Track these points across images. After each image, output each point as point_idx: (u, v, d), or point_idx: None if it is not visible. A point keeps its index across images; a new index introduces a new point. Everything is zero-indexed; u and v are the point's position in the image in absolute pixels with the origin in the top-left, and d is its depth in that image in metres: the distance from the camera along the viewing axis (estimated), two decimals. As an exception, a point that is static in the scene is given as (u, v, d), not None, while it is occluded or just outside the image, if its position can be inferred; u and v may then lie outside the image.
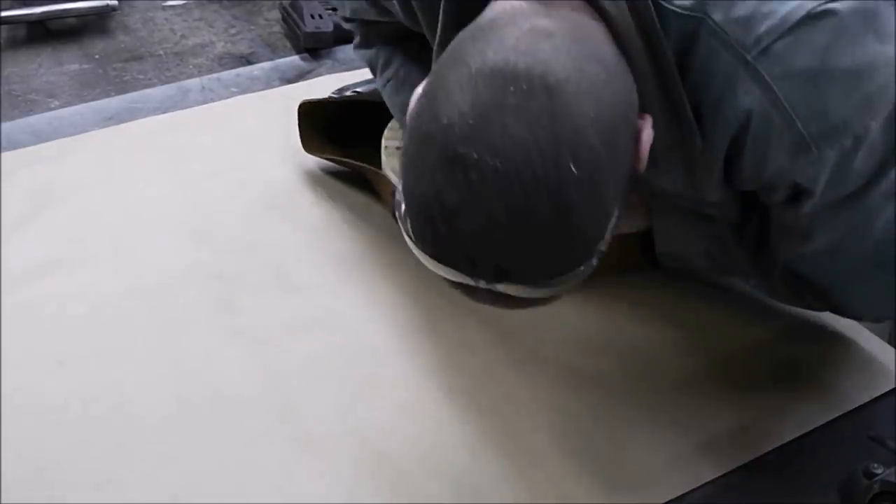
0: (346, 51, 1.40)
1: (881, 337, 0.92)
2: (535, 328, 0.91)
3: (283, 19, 1.46)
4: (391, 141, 1.01)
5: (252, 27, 1.48)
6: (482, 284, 0.58)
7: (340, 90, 1.26)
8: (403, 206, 0.59)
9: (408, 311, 0.92)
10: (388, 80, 0.98)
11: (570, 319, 0.92)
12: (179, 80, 1.32)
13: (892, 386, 0.86)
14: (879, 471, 0.76)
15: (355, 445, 0.78)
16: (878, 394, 0.85)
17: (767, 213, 0.78)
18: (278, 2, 1.54)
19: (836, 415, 0.83)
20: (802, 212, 0.72)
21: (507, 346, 0.89)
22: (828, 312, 0.94)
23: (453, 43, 0.61)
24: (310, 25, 1.38)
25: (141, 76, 1.34)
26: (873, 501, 0.73)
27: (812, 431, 0.82)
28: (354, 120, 1.08)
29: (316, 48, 1.39)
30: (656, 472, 0.77)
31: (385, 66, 0.99)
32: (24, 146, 1.15)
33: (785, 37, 0.64)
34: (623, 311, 0.93)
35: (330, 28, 1.39)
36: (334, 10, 1.43)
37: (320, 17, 1.40)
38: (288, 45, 1.43)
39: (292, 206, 1.06)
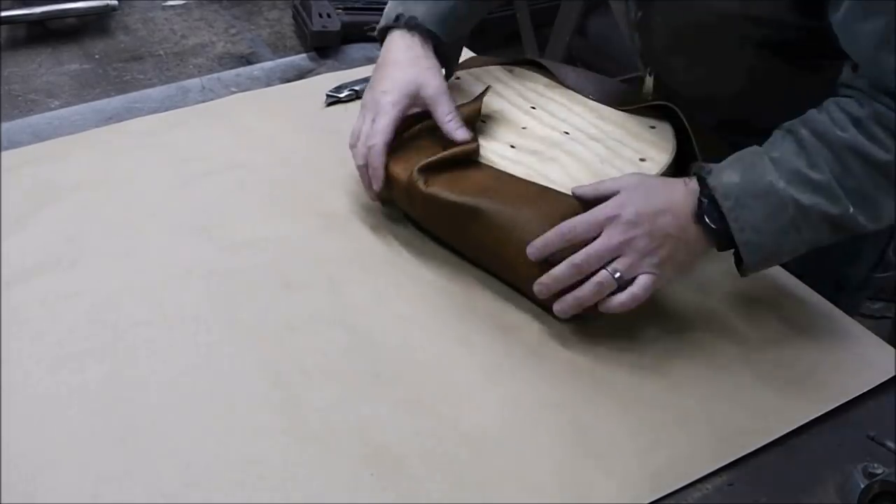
0: (352, 50, 1.40)
1: (881, 336, 0.92)
2: (536, 326, 0.91)
3: (294, 17, 1.47)
4: None
5: (252, 27, 1.47)
6: None
7: (338, 88, 1.26)
8: None
9: (410, 307, 0.92)
10: None
11: (571, 318, 0.92)
12: (179, 80, 1.32)
13: (892, 386, 0.86)
14: (879, 471, 0.76)
15: (356, 441, 0.78)
16: (878, 394, 0.85)
17: None
18: (282, 1, 1.54)
19: (835, 414, 0.83)
20: None
21: (508, 344, 0.89)
22: (824, 309, 0.94)
23: None
24: (317, 24, 1.38)
25: (141, 76, 1.33)
26: (873, 501, 0.73)
27: (812, 431, 0.82)
28: None
29: (323, 47, 1.39)
30: (656, 469, 0.77)
31: None
32: (24, 146, 1.15)
33: None
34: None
35: (337, 27, 1.39)
36: (344, 8, 1.43)
37: (328, 15, 1.40)
38: (288, 44, 1.43)
39: (293, 203, 1.06)
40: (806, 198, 0.83)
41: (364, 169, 0.98)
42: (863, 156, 0.82)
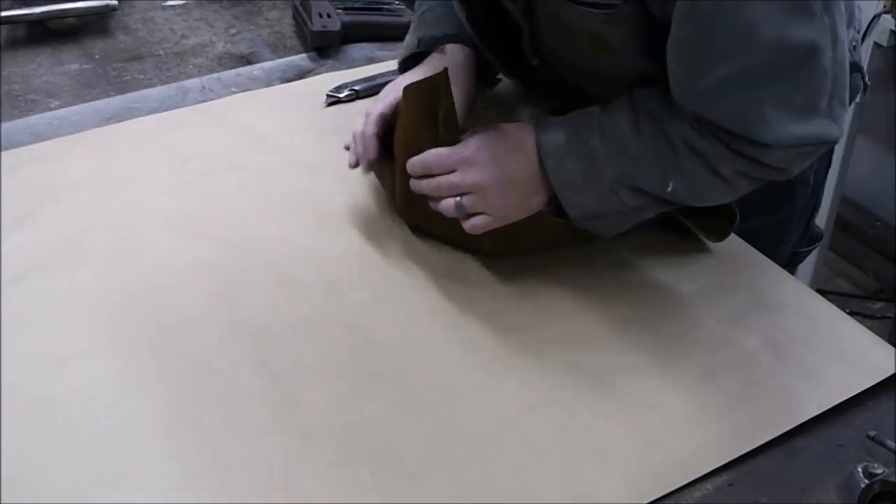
0: (352, 50, 1.40)
1: (881, 336, 0.92)
2: (536, 325, 0.91)
3: (294, 17, 1.47)
4: None
5: (252, 27, 1.47)
6: None
7: (338, 88, 1.26)
8: None
9: (409, 307, 0.92)
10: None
11: (571, 317, 0.92)
12: (179, 80, 1.32)
13: (892, 386, 0.86)
14: (879, 471, 0.76)
15: (355, 441, 0.78)
16: (878, 394, 0.85)
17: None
18: (282, 1, 1.54)
19: (835, 414, 0.83)
20: None
21: (508, 343, 0.89)
22: (824, 309, 0.94)
23: None
24: (317, 24, 1.38)
25: (141, 76, 1.33)
26: (873, 501, 0.73)
27: (812, 431, 0.82)
28: None
29: (323, 47, 1.39)
30: (656, 468, 0.77)
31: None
32: (24, 146, 1.15)
33: None
34: (624, 310, 0.93)
35: (337, 27, 1.39)
36: (344, 8, 1.43)
37: (328, 15, 1.40)
38: (288, 44, 1.43)
39: (292, 203, 1.06)
40: (623, 168, 0.85)
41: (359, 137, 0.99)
42: (689, 143, 0.84)
